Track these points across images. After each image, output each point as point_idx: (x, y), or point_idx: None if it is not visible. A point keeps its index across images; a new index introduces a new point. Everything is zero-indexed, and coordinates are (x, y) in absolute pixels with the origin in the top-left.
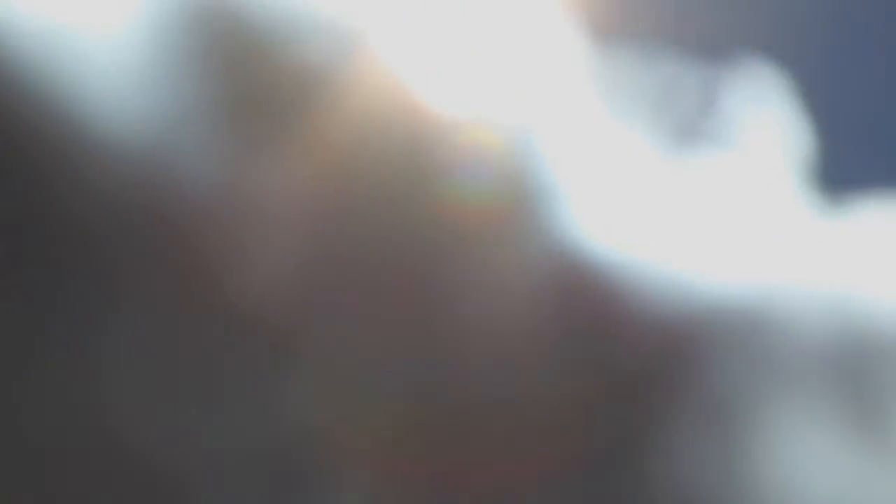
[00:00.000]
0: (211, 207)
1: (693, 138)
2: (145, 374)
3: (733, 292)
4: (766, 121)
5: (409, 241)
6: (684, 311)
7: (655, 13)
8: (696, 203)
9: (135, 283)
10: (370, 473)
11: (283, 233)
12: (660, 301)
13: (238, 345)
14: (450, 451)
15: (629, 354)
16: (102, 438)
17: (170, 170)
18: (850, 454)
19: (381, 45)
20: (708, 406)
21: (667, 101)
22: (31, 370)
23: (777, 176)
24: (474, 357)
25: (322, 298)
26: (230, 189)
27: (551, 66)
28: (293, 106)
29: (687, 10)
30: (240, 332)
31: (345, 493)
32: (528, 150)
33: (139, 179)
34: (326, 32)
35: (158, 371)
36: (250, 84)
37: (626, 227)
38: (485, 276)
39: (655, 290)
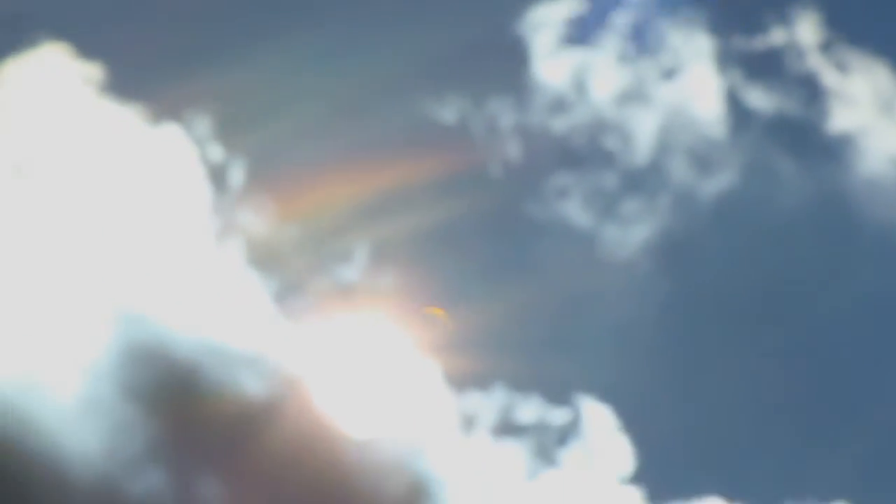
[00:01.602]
0: None
1: (546, 461)
2: None
3: None
4: (600, 447)
5: None
6: None
7: (508, 362)
8: None
9: None
10: None
11: None
12: None
13: None
14: None
15: None
16: None
17: (118, 497)
18: None
19: (305, 381)
20: None
21: (524, 433)
22: None
23: (612, 487)
24: None
25: None
26: None
27: (423, 400)
28: (229, 434)
29: (534, 360)
30: None
31: None
32: (422, 464)
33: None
34: (255, 369)
35: None
36: (187, 416)
37: None
38: None
39: None
